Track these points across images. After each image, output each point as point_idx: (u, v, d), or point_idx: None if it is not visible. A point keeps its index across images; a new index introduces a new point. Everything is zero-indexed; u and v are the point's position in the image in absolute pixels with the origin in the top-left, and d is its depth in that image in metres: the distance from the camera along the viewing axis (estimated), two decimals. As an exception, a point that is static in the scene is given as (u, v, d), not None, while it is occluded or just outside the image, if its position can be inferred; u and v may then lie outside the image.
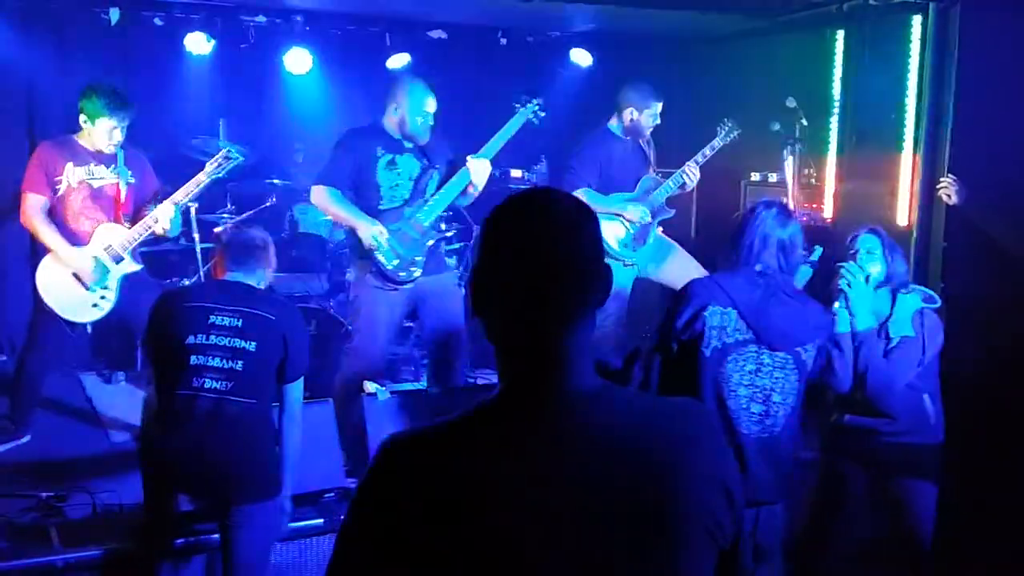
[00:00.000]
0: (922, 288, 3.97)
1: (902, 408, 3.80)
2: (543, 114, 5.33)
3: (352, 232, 4.96)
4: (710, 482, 1.47)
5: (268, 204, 6.70)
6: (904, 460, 3.85)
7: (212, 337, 3.46)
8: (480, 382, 5.83)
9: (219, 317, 3.48)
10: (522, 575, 1.37)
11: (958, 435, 3.94)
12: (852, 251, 3.90)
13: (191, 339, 3.45)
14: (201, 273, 6.04)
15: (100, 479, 4.46)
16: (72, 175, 4.83)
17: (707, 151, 5.78)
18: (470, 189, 5.06)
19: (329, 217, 4.89)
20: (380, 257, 4.87)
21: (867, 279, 3.79)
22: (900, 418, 3.80)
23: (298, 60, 7.22)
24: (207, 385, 3.43)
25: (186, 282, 6.13)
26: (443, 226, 5.55)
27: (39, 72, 6.61)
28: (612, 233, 5.65)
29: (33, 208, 4.80)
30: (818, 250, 4.08)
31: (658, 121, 5.80)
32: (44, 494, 4.18)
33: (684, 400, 1.58)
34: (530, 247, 1.45)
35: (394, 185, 4.98)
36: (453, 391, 5.09)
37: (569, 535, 1.38)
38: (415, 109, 4.94)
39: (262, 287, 3.71)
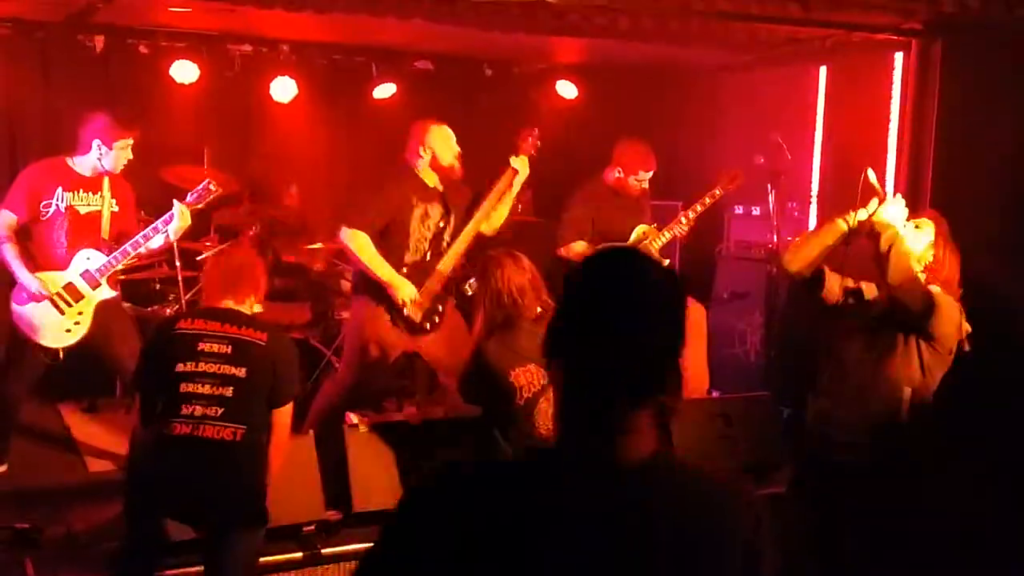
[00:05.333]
0: None
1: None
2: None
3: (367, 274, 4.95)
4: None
5: (251, 233, 6.67)
6: None
7: (201, 364, 3.47)
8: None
9: (208, 344, 3.50)
10: None
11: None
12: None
13: (181, 366, 3.46)
14: (183, 301, 5.98)
15: (77, 509, 4.40)
16: (62, 200, 4.81)
17: (707, 200, 5.74)
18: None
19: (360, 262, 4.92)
20: (408, 313, 4.92)
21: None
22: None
23: (284, 89, 7.21)
24: (197, 412, 3.42)
25: (168, 311, 6.08)
26: (467, 287, 5.53)
27: (23, 99, 6.58)
28: None
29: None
30: None
31: (646, 186, 5.79)
32: (19, 525, 4.10)
33: (731, 480, 1.59)
34: (614, 317, 1.47)
35: (422, 237, 5.02)
36: (434, 423, 5.06)
37: None
38: (446, 148, 5.00)
39: (252, 312, 3.72)
